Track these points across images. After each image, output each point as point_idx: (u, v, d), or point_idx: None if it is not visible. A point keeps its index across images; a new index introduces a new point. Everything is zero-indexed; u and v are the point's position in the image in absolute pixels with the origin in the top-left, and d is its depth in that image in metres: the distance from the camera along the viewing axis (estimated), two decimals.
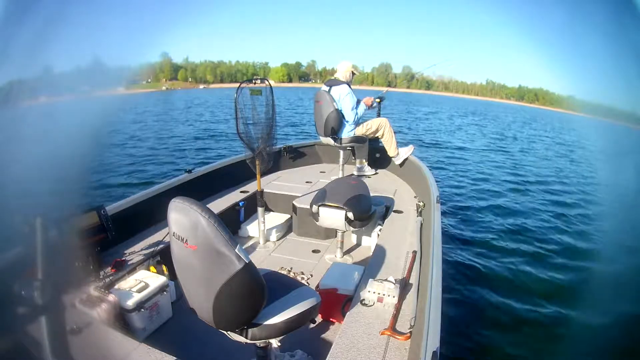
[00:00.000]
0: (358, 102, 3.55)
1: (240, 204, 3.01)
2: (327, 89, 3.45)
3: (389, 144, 3.64)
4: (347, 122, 3.46)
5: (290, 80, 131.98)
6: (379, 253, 2.16)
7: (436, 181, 2.94)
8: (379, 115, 3.75)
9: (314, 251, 2.78)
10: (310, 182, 3.52)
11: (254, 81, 2.40)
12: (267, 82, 2.40)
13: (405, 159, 3.69)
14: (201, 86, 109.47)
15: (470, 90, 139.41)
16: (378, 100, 3.70)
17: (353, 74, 3.56)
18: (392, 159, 3.72)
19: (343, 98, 3.40)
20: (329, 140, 3.56)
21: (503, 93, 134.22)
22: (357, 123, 3.51)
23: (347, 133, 3.50)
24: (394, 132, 3.66)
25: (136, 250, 2.14)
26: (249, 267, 1.08)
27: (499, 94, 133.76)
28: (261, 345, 1.36)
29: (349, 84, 3.47)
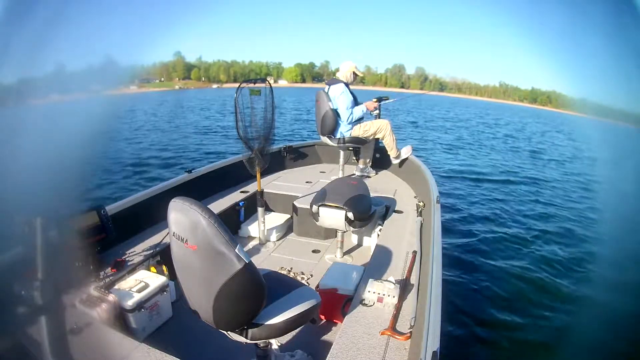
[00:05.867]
0: (358, 102, 3.55)
1: (240, 204, 3.01)
2: (327, 88, 3.48)
3: (390, 146, 3.62)
4: (343, 121, 3.47)
5: (304, 81, 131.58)
6: (379, 253, 2.16)
7: (436, 181, 2.94)
8: (378, 116, 3.72)
9: (314, 251, 2.78)
10: (310, 182, 3.52)
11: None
12: (267, 83, 2.42)
13: (405, 159, 3.69)
14: (214, 86, 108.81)
15: (483, 92, 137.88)
16: (375, 100, 3.66)
17: (355, 75, 3.55)
18: (392, 159, 3.71)
19: (338, 97, 3.42)
20: (327, 140, 3.58)
21: (516, 95, 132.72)
22: (353, 123, 3.49)
23: (342, 132, 3.51)
24: (395, 135, 3.63)
25: (136, 250, 2.14)
26: (249, 267, 1.08)
27: (512, 96, 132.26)
28: (261, 345, 1.36)
29: (346, 83, 3.47)
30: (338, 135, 3.52)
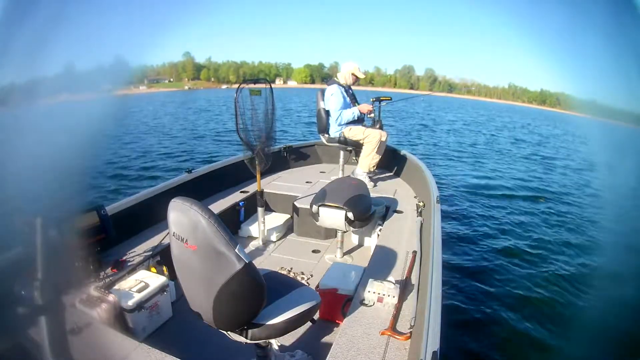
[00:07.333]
0: (357, 103, 3.54)
1: (240, 204, 3.01)
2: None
3: (366, 158, 3.43)
4: (332, 122, 3.48)
5: (313, 82, 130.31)
6: (379, 253, 2.16)
7: (436, 181, 2.94)
8: (379, 117, 3.59)
9: (314, 251, 2.78)
10: (310, 182, 3.52)
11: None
12: (267, 83, 2.42)
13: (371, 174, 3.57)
14: (224, 86, 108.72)
15: (492, 94, 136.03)
16: (373, 100, 3.58)
17: (356, 77, 3.51)
18: (357, 169, 3.53)
19: (329, 98, 3.43)
20: (322, 138, 3.62)
21: (525, 97, 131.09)
22: (342, 124, 3.46)
23: (333, 133, 3.52)
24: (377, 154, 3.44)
25: (136, 251, 2.14)
26: (249, 267, 1.07)
27: (521, 98, 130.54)
28: (261, 345, 1.36)
29: (341, 84, 3.47)
30: (331, 135, 3.54)
